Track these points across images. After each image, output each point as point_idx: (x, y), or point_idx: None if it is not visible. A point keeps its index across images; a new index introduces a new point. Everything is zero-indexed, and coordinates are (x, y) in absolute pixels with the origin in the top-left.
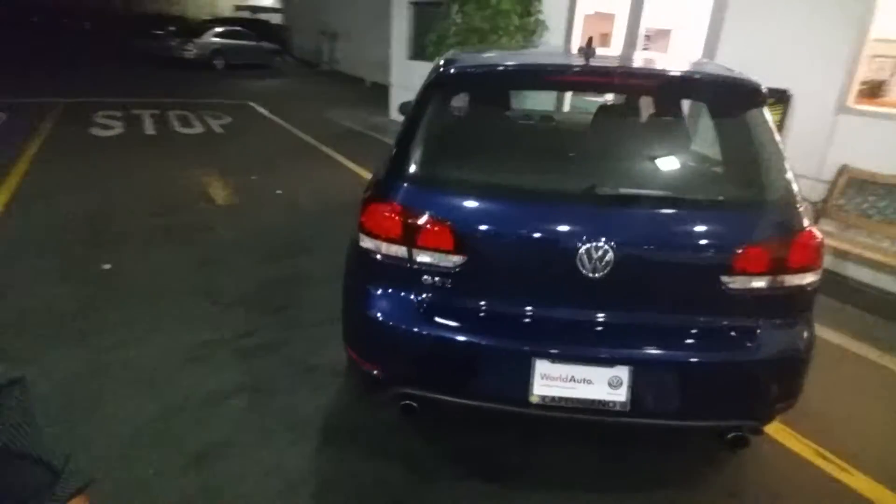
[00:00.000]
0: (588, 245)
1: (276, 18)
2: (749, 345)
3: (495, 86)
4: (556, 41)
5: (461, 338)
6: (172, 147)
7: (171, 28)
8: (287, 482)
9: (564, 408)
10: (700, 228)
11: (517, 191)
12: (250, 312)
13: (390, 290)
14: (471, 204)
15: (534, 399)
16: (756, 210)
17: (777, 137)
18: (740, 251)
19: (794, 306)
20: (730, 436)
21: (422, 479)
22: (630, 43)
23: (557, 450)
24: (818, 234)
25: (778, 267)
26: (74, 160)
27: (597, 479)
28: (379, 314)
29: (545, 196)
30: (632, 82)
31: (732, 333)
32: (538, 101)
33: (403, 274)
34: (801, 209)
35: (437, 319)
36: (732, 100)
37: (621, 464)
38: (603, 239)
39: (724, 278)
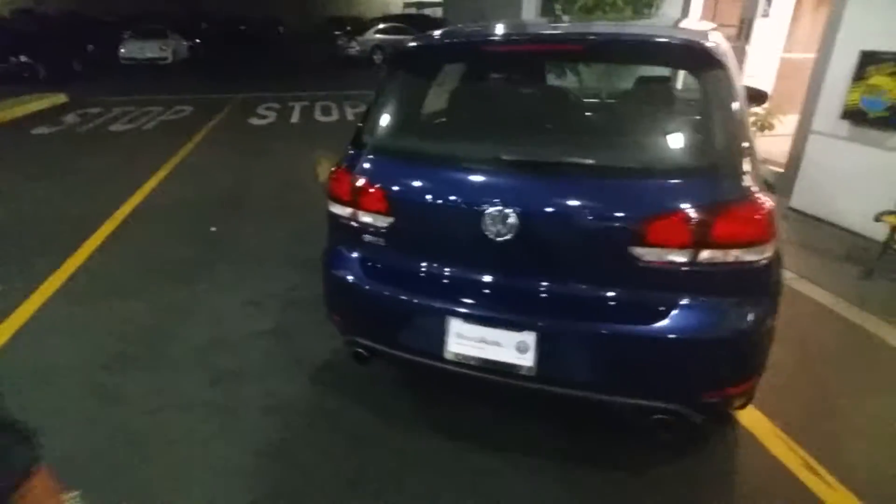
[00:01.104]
0: (491, 209)
1: (438, 13)
2: (667, 322)
3: (440, 60)
4: (674, 13)
5: (390, 293)
6: (309, 133)
7: (348, 28)
8: (275, 403)
9: (476, 367)
10: (605, 196)
11: (438, 157)
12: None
13: (342, 248)
14: (400, 169)
15: (448, 356)
16: (675, 178)
17: (732, 103)
18: (652, 222)
19: (732, 285)
20: (653, 417)
21: (385, 424)
22: (750, 8)
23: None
24: (761, 206)
25: (702, 241)
26: (228, 145)
27: (555, 454)
28: (333, 269)
29: (460, 162)
30: (567, 48)
31: (649, 308)
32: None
33: (351, 233)
34: (741, 179)
35: (373, 275)
36: (679, 63)
37: (586, 445)
38: (505, 203)
39: (636, 249)
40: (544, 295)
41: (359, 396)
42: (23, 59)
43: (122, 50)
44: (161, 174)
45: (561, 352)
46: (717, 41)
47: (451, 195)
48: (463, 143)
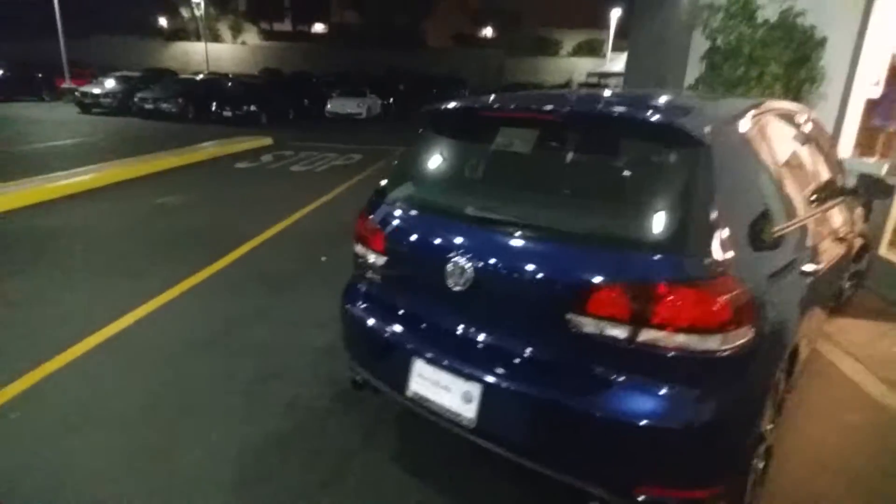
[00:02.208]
0: (452, 260)
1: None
2: (598, 399)
3: (449, 123)
4: (834, 90)
5: (377, 326)
6: None
7: None
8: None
9: (429, 409)
10: (550, 260)
11: (423, 207)
12: None
13: (355, 281)
14: (397, 216)
15: (409, 393)
16: (622, 250)
17: (706, 186)
18: (592, 291)
19: (678, 372)
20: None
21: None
22: None
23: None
24: (718, 291)
25: (644, 319)
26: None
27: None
28: (344, 299)
29: (437, 213)
30: (541, 118)
31: (583, 382)
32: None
33: (361, 269)
34: (701, 260)
35: (367, 308)
36: (653, 143)
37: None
38: (464, 255)
39: (575, 318)
40: (493, 349)
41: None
42: (251, 108)
43: (328, 105)
44: (311, 207)
45: (499, 409)
46: (706, 122)
47: (425, 242)
48: (445, 197)
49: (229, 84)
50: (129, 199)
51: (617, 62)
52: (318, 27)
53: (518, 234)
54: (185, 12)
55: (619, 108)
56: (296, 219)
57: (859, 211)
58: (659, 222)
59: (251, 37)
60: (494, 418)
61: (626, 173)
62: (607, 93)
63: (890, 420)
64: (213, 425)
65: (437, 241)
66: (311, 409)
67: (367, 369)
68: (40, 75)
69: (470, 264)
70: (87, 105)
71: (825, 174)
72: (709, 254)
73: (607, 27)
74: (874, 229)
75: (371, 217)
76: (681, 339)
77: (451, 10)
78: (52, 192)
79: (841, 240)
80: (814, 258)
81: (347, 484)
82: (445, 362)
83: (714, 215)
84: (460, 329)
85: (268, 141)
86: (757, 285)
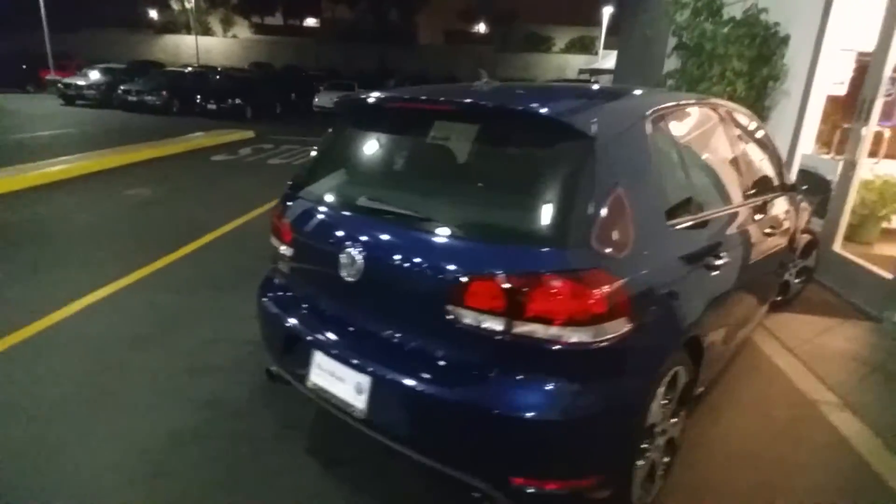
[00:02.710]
0: (345, 250)
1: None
2: (475, 390)
3: (361, 115)
4: (796, 87)
5: (282, 318)
6: None
7: None
8: None
9: (326, 400)
10: (434, 252)
11: (322, 200)
12: None
13: (269, 273)
14: (301, 208)
15: (309, 384)
16: (499, 242)
17: (587, 180)
18: (468, 283)
19: (553, 364)
20: (472, 494)
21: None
22: (873, 85)
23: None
24: (590, 283)
25: (518, 311)
26: None
27: None
28: (260, 292)
29: (334, 205)
30: (446, 110)
31: (462, 373)
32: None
33: (275, 262)
34: (575, 253)
35: (276, 299)
36: (540, 136)
37: None
38: (355, 246)
39: (453, 310)
40: (382, 340)
41: None
42: (237, 101)
43: (316, 99)
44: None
45: (386, 401)
46: (597, 116)
47: (323, 234)
48: (347, 188)
49: (216, 77)
50: (97, 190)
51: (608, 59)
52: (310, 21)
53: (403, 224)
54: (175, 5)
55: (512, 102)
56: (262, 211)
57: (805, 206)
58: (535, 214)
59: (242, 30)
60: (382, 410)
61: (513, 165)
62: (521, 87)
63: (813, 415)
64: (128, 418)
65: (333, 232)
66: (231, 402)
67: (277, 361)
68: (24, 67)
69: (360, 255)
70: (71, 97)
71: (758, 170)
72: (582, 246)
73: (599, 24)
74: (829, 225)
75: (282, 209)
76: (553, 331)
77: (444, 7)
78: (17, 182)
79: (776, 234)
80: (730, 251)
81: (247, 481)
82: (340, 353)
83: (591, 208)
84: (354, 320)
85: (249, 134)
86: (639, 278)
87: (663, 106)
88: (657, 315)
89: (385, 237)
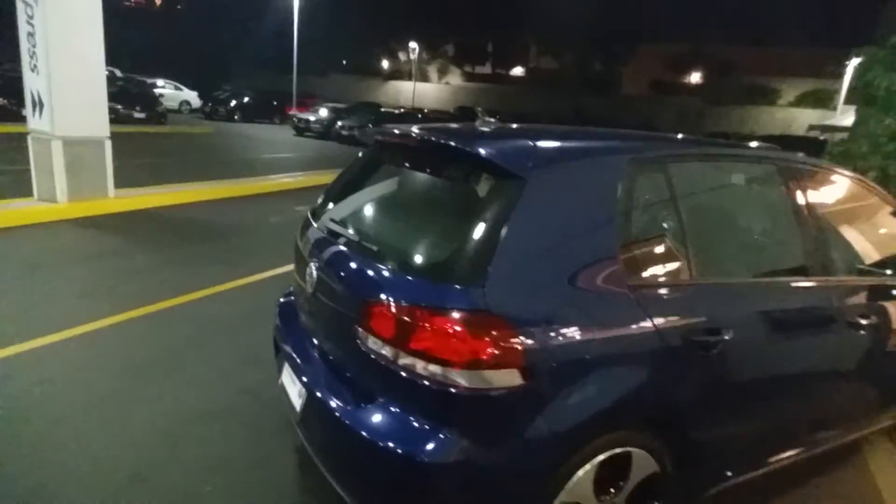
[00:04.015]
0: (309, 265)
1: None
2: (363, 417)
3: (372, 147)
4: None
5: (279, 324)
6: None
7: None
8: None
9: (287, 401)
10: (357, 275)
11: (315, 219)
12: None
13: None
14: (305, 227)
15: (279, 382)
16: (402, 271)
17: (499, 220)
18: (368, 306)
19: (425, 404)
20: None
21: None
22: None
23: None
24: (480, 329)
25: (403, 342)
26: None
27: None
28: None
29: (316, 225)
30: (408, 145)
31: (360, 397)
32: None
33: None
34: (466, 291)
35: (282, 306)
36: (475, 173)
37: None
38: (314, 261)
39: (360, 331)
40: (318, 351)
41: None
42: None
43: None
44: None
45: (310, 411)
46: (538, 158)
47: (304, 249)
48: (330, 211)
49: (419, 116)
50: (274, 204)
51: (848, 115)
52: (517, 70)
53: (347, 247)
54: (402, 56)
55: (458, 139)
56: None
57: None
58: (443, 248)
59: (454, 78)
60: (308, 419)
61: (444, 198)
62: (502, 127)
63: None
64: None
65: (308, 248)
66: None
67: (276, 358)
68: (275, 103)
69: (315, 271)
70: (301, 129)
71: (856, 246)
72: (475, 286)
73: (840, 77)
74: None
75: (302, 223)
76: (431, 368)
77: (652, 58)
78: (225, 192)
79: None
80: (753, 331)
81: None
82: (293, 359)
83: (496, 250)
84: (307, 329)
85: None
86: (553, 334)
87: (658, 154)
88: (581, 379)
89: (332, 257)
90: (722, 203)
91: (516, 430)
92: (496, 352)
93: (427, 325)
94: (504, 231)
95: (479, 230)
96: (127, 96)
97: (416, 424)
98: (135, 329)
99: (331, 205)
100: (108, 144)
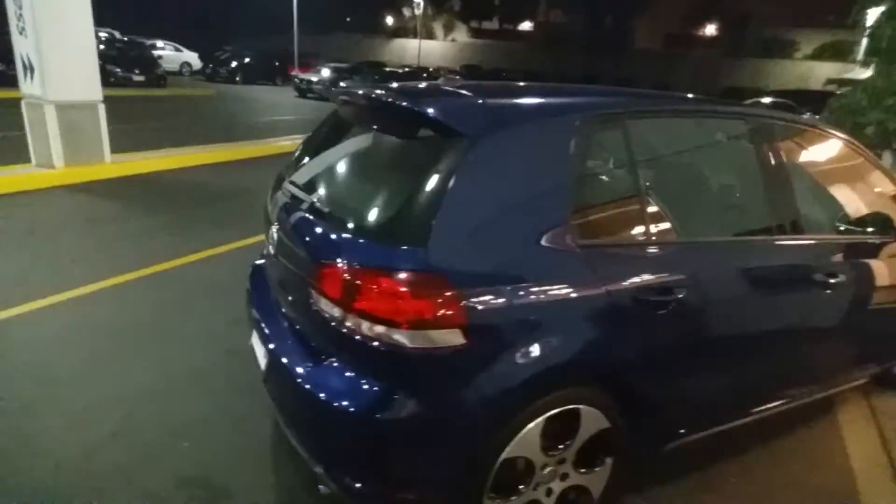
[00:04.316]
0: (272, 227)
1: None
2: (314, 375)
3: (337, 110)
4: None
5: (248, 284)
6: None
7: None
8: None
9: (255, 360)
10: (311, 237)
11: (281, 181)
12: None
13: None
14: (274, 187)
15: (249, 343)
16: (353, 233)
17: (444, 180)
18: (319, 268)
19: (370, 359)
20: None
21: None
22: None
23: None
24: (420, 287)
25: (348, 302)
26: None
27: None
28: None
29: (281, 187)
30: (364, 106)
31: (312, 357)
32: None
33: None
34: (406, 251)
35: (254, 268)
36: (424, 132)
37: None
38: (276, 223)
39: (313, 292)
40: (279, 310)
41: None
42: None
43: None
44: None
45: (272, 369)
46: (490, 117)
47: (271, 210)
48: (294, 173)
49: (424, 76)
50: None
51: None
52: (526, 25)
53: (304, 209)
54: (407, 12)
55: (413, 98)
56: None
57: None
58: (388, 209)
59: (460, 34)
60: (270, 379)
61: (396, 159)
62: (461, 84)
63: None
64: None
65: (273, 210)
66: None
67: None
68: (277, 64)
69: (276, 232)
70: (303, 90)
71: (836, 205)
72: (417, 247)
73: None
74: None
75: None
76: (377, 328)
77: (666, 10)
78: (219, 156)
79: (872, 287)
80: (710, 289)
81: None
82: (261, 317)
83: (439, 210)
84: (272, 290)
85: None
86: (493, 292)
87: (614, 111)
88: (525, 338)
89: (290, 219)
90: (685, 161)
91: (460, 388)
92: (437, 311)
93: (370, 285)
94: (448, 191)
95: (423, 190)
96: (125, 59)
97: (363, 383)
98: (127, 292)
99: (297, 167)
100: (102, 108)
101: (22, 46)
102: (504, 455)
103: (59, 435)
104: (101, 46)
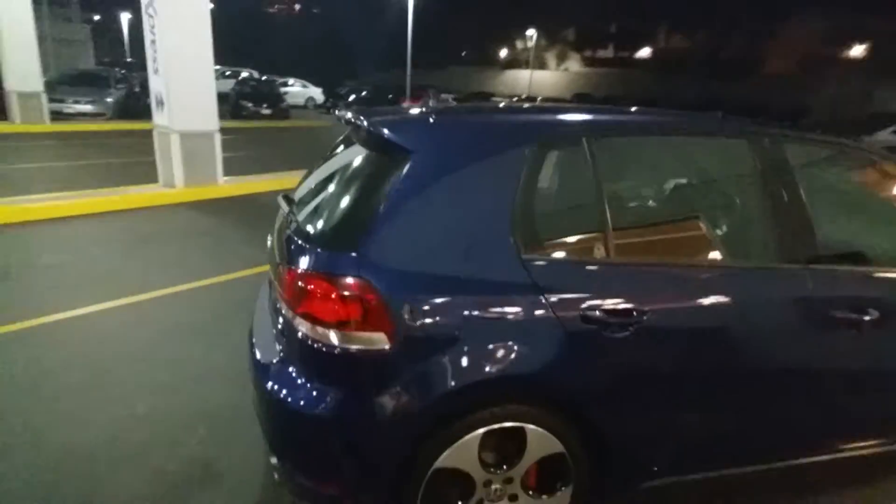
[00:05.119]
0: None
1: None
2: (271, 371)
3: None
4: None
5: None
6: None
7: None
8: None
9: None
10: (288, 244)
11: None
12: None
13: None
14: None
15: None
16: (309, 240)
17: (383, 190)
18: (282, 273)
19: (306, 358)
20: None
21: None
22: None
23: None
24: (347, 291)
25: (295, 302)
26: None
27: None
28: None
29: (283, 199)
30: (349, 124)
31: (273, 354)
32: None
33: None
34: (339, 255)
35: None
36: (381, 149)
37: None
38: (270, 234)
39: (280, 295)
40: (268, 315)
41: None
42: None
43: None
44: None
45: (253, 364)
46: (424, 133)
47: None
48: (300, 187)
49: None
50: None
51: None
52: (643, 53)
53: (290, 220)
54: (520, 44)
55: (374, 116)
56: None
57: None
58: (335, 217)
59: (573, 64)
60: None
61: (356, 175)
62: (450, 108)
63: None
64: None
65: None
66: None
67: None
68: (390, 96)
69: (269, 242)
70: None
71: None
72: (352, 252)
73: None
74: None
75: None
76: (314, 329)
77: (801, 31)
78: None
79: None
80: (679, 315)
81: None
82: (255, 320)
83: (377, 218)
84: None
85: None
86: (425, 299)
87: (572, 129)
88: (455, 349)
89: (276, 228)
90: (651, 180)
91: (385, 392)
92: (365, 315)
93: (307, 287)
94: (386, 200)
95: (362, 199)
96: (257, 95)
97: (302, 380)
98: (200, 295)
99: (301, 183)
100: (218, 137)
101: (155, 84)
102: (437, 465)
103: (85, 416)
104: (239, 85)
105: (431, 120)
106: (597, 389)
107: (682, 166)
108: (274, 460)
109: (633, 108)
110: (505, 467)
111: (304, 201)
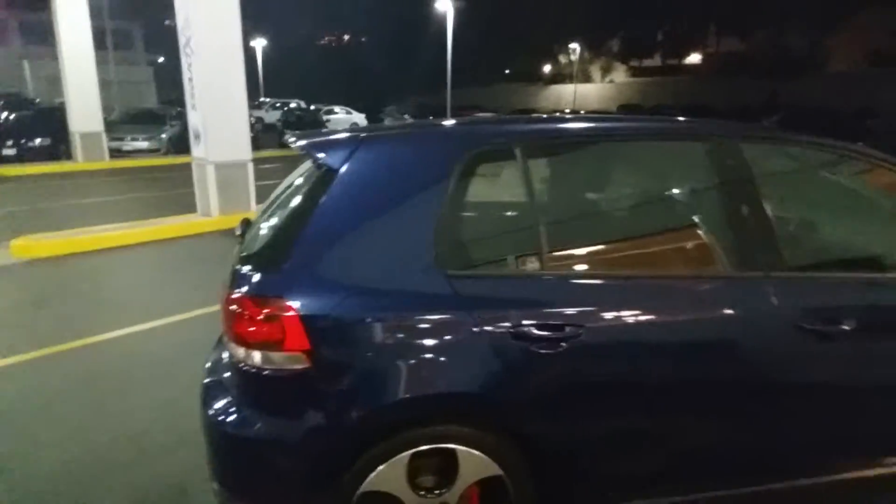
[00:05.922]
0: None
1: None
2: (209, 390)
3: None
4: None
5: None
6: None
7: None
8: None
9: None
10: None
11: None
12: None
13: None
14: None
15: None
16: (247, 262)
17: (308, 209)
18: (225, 295)
19: (234, 377)
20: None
21: None
22: None
23: None
24: (264, 312)
25: (228, 324)
26: None
27: None
28: None
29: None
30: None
31: (213, 377)
32: None
33: None
34: (267, 277)
35: None
36: (316, 167)
37: None
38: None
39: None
40: None
41: None
42: None
43: None
44: None
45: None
46: (349, 149)
47: None
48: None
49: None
50: None
51: None
52: (692, 58)
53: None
54: (563, 59)
55: (311, 137)
56: None
57: None
58: (265, 239)
59: (619, 75)
60: None
61: (295, 195)
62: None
63: None
64: None
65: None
66: None
67: None
68: (431, 117)
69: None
70: None
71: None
72: (273, 273)
73: None
74: None
75: None
76: (238, 349)
77: (868, 24)
78: None
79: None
80: (622, 329)
81: None
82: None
83: (299, 239)
84: None
85: None
86: (340, 322)
87: (504, 140)
88: (376, 369)
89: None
90: (592, 192)
91: (303, 412)
92: (281, 335)
93: (237, 310)
94: (310, 220)
95: (292, 221)
96: (301, 124)
97: (230, 399)
98: None
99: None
100: (251, 166)
101: (193, 119)
102: (364, 488)
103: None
104: (285, 115)
105: (360, 137)
106: (531, 409)
107: (625, 174)
108: (215, 486)
109: (570, 115)
110: (437, 491)
111: (253, 225)
